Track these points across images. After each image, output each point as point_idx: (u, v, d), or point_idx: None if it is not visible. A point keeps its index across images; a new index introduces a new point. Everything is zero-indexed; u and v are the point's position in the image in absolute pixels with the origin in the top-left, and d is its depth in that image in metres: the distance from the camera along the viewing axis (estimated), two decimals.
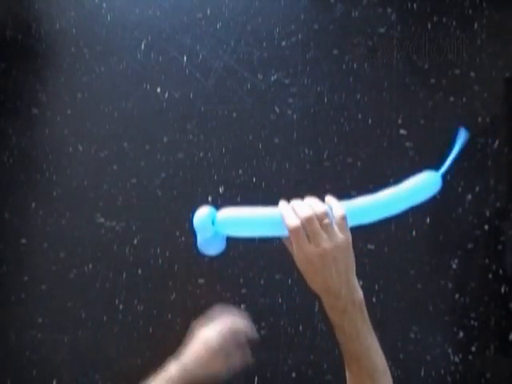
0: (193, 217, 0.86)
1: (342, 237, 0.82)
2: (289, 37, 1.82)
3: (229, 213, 0.85)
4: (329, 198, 0.87)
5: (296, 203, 0.84)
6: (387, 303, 1.68)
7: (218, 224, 0.85)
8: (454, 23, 1.81)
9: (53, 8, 1.86)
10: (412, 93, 1.79)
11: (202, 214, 0.85)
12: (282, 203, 0.85)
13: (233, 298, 1.65)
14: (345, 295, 0.82)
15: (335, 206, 0.85)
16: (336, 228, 0.82)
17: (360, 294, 0.83)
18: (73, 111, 1.81)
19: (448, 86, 1.78)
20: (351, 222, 0.86)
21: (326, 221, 0.82)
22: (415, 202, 0.93)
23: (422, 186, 0.95)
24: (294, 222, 0.82)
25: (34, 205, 1.76)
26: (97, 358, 1.69)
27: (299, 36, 1.82)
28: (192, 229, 0.86)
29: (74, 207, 1.76)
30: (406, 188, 0.94)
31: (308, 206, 0.84)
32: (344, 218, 0.83)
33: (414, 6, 1.82)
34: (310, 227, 0.81)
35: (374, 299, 1.69)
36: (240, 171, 1.76)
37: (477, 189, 1.74)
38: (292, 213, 0.83)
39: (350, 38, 1.81)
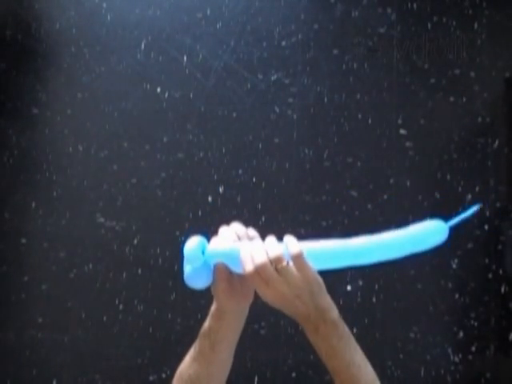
0: (183, 245, 0.85)
1: (300, 276, 0.81)
2: (289, 37, 1.82)
3: (220, 244, 0.84)
4: (286, 238, 0.85)
5: (254, 247, 0.83)
6: (387, 303, 1.68)
7: (208, 254, 0.84)
8: (454, 23, 1.81)
9: (53, 8, 1.86)
10: (412, 93, 1.79)
11: (193, 244, 0.85)
12: (244, 246, 0.83)
13: None
14: (314, 318, 0.82)
15: (290, 245, 0.83)
16: (293, 268, 0.81)
17: (333, 312, 0.83)
18: (73, 111, 1.81)
19: (448, 86, 1.79)
20: (342, 263, 0.86)
21: (281, 265, 0.81)
22: (415, 250, 0.92)
23: (426, 234, 0.93)
24: (248, 267, 0.81)
25: (34, 205, 1.76)
26: (97, 358, 1.69)
27: (299, 36, 1.82)
28: (181, 261, 0.86)
29: (74, 207, 1.76)
30: (406, 234, 0.92)
31: (263, 251, 0.82)
32: (299, 256, 0.81)
33: (414, 5, 1.82)
34: (264, 274, 0.80)
35: (373, 299, 1.69)
36: (240, 171, 1.76)
37: (477, 189, 1.74)
38: (249, 257, 0.82)
39: (349, 38, 1.81)
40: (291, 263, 0.81)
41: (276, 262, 0.81)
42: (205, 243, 0.86)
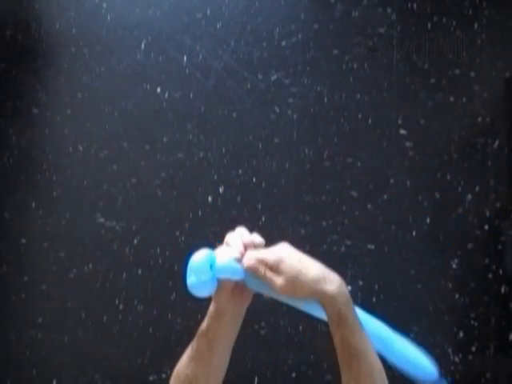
0: (190, 258, 0.85)
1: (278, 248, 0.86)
2: (289, 37, 1.82)
3: (228, 259, 0.84)
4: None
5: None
6: (387, 303, 1.68)
7: (217, 269, 0.84)
8: (453, 23, 1.81)
9: (53, 8, 1.86)
10: (412, 93, 1.79)
11: (201, 257, 0.85)
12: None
13: None
14: (340, 282, 0.84)
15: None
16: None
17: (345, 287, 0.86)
18: (73, 111, 1.81)
19: (448, 86, 1.78)
20: None
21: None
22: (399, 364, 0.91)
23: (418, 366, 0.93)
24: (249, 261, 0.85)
25: (34, 205, 1.76)
26: (97, 358, 1.69)
27: (299, 36, 1.82)
28: (184, 267, 0.86)
29: (74, 207, 1.76)
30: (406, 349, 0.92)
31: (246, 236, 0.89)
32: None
33: (414, 5, 1.82)
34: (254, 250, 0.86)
35: (373, 299, 1.69)
36: (240, 171, 1.76)
37: (477, 189, 1.74)
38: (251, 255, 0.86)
39: (349, 38, 1.81)
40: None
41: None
42: (213, 257, 0.85)
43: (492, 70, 1.78)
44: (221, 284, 0.86)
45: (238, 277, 0.84)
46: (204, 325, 0.89)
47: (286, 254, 0.84)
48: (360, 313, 0.89)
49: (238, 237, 0.87)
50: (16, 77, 1.83)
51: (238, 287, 0.87)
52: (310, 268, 0.83)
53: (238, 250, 0.85)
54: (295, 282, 0.82)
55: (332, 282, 0.83)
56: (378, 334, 0.90)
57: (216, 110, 1.79)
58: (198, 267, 0.84)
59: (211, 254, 0.85)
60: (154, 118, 1.80)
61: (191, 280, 0.85)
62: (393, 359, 0.89)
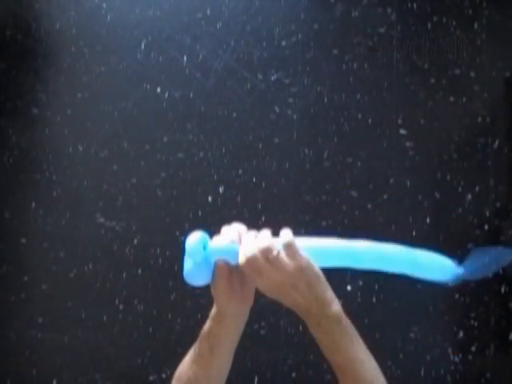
0: (185, 240, 0.85)
1: (292, 264, 0.81)
2: (289, 37, 1.82)
3: (221, 240, 0.84)
4: (283, 230, 0.85)
5: (246, 241, 0.84)
6: (387, 303, 1.68)
7: (210, 250, 0.84)
8: (453, 23, 1.81)
9: (53, 8, 1.86)
10: (412, 93, 1.79)
11: (195, 238, 0.85)
12: (246, 238, 0.84)
13: None
14: (316, 312, 0.82)
15: (283, 234, 0.84)
16: (285, 257, 0.81)
17: (335, 307, 0.83)
18: (73, 111, 1.81)
19: (448, 86, 1.79)
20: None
21: (272, 255, 0.81)
22: (414, 273, 0.92)
23: (431, 264, 0.94)
24: (241, 260, 0.82)
25: (33, 205, 1.76)
26: (97, 358, 1.69)
27: (299, 36, 1.82)
28: (182, 256, 0.86)
29: (74, 207, 1.76)
30: (411, 254, 0.92)
31: (253, 243, 0.83)
32: (291, 245, 0.82)
33: (414, 5, 1.82)
34: (255, 265, 0.81)
35: (373, 299, 1.69)
36: (240, 171, 1.76)
37: (477, 189, 1.74)
38: (242, 251, 0.83)
39: (349, 38, 1.81)
40: (283, 253, 0.82)
41: (266, 253, 0.81)
42: (207, 239, 0.86)
43: (492, 69, 1.79)
44: (216, 270, 0.85)
45: (231, 256, 0.84)
46: (206, 327, 0.89)
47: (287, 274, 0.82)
48: (372, 246, 0.88)
49: (234, 228, 0.87)
50: (16, 77, 1.83)
51: (237, 284, 0.87)
52: (299, 300, 0.83)
53: (232, 234, 0.85)
54: (279, 295, 0.84)
55: (313, 316, 0.83)
56: (397, 259, 0.90)
57: (216, 109, 1.79)
58: (192, 248, 0.85)
59: (204, 235, 0.86)
60: (154, 118, 1.80)
61: (186, 266, 0.85)
62: (420, 274, 0.90)
